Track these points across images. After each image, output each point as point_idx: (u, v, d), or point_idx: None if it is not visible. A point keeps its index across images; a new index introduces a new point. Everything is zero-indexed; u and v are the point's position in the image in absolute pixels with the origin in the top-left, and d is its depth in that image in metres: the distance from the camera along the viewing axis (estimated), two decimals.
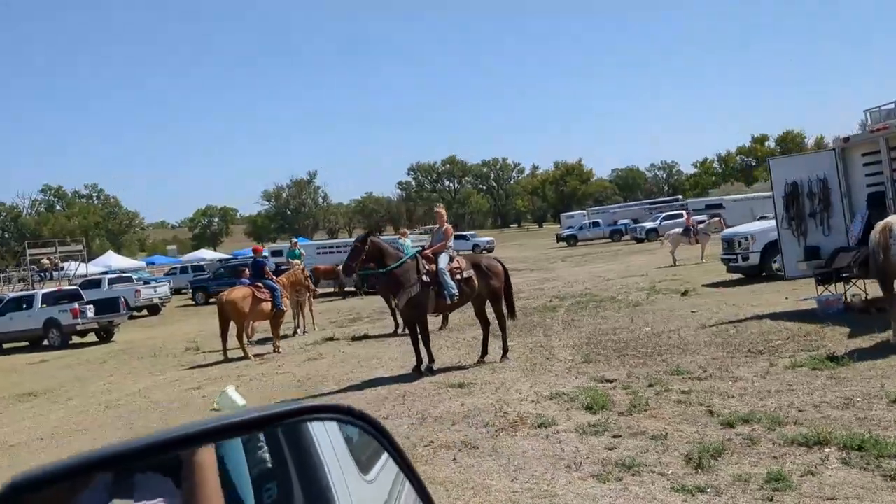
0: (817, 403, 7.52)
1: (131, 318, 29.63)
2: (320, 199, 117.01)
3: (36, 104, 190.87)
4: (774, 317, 13.19)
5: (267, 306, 16.11)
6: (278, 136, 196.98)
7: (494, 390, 9.85)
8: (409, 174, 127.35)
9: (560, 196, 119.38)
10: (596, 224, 62.71)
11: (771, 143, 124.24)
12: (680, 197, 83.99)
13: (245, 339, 16.74)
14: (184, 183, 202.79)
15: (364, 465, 1.63)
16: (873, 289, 13.31)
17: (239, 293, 15.97)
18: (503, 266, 12.40)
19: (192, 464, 1.30)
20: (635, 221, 61.42)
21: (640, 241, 52.38)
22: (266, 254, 18.31)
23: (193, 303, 37.06)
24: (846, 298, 13.25)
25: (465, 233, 62.74)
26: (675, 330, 13.23)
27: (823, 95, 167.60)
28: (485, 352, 12.27)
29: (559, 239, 64.78)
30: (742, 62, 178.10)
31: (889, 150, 12.76)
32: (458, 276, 11.70)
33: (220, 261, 46.54)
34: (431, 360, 11.77)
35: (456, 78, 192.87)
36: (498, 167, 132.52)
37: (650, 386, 9.04)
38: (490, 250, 52.54)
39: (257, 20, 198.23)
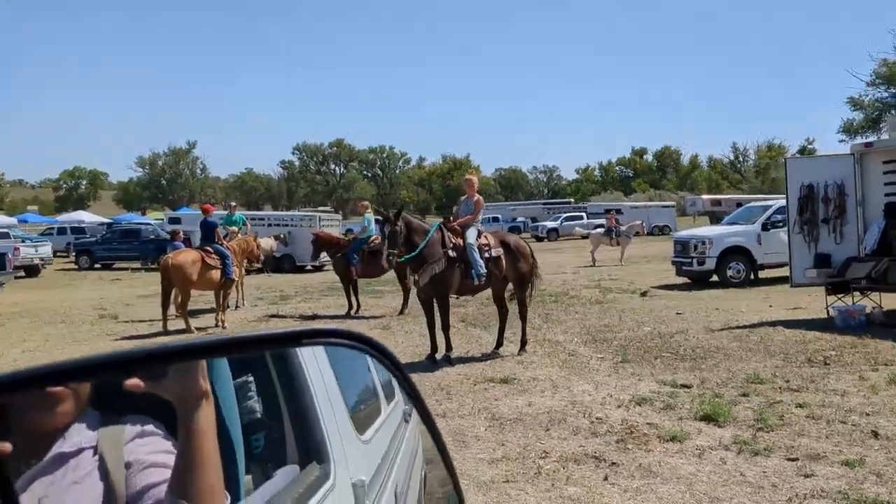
0: None
1: None
2: (198, 171, 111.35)
3: None
4: (787, 325, 12.40)
5: (216, 274, 13.96)
6: (158, 100, 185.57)
7: (552, 389, 8.45)
8: (293, 153, 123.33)
9: (445, 190, 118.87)
10: (495, 219, 62.26)
11: (649, 157, 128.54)
12: (572, 200, 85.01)
13: (173, 312, 14.59)
14: (47, 140, 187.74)
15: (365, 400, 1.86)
16: (888, 301, 12.83)
17: (188, 257, 13.73)
18: (530, 248, 10.99)
19: (191, 428, 1.22)
20: (533, 220, 61.37)
21: (540, 239, 52.05)
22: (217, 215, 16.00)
23: (76, 266, 33.57)
24: (867, 310, 12.60)
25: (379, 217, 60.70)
26: (682, 332, 12.25)
27: (700, 114, 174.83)
28: (500, 342, 10.84)
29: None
30: (628, 75, 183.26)
31: None
32: (487, 255, 10.19)
33: (106, 224, 42.67)
34: (449, 348, 10.25)
35: (351, 61, 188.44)
36: (385, 155, 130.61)
37: (744, 395, 7.87)
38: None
39: None
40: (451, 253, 9.88)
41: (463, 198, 10.95)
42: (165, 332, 13.61)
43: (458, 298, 10.47)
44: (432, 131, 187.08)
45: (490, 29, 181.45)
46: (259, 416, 1.60)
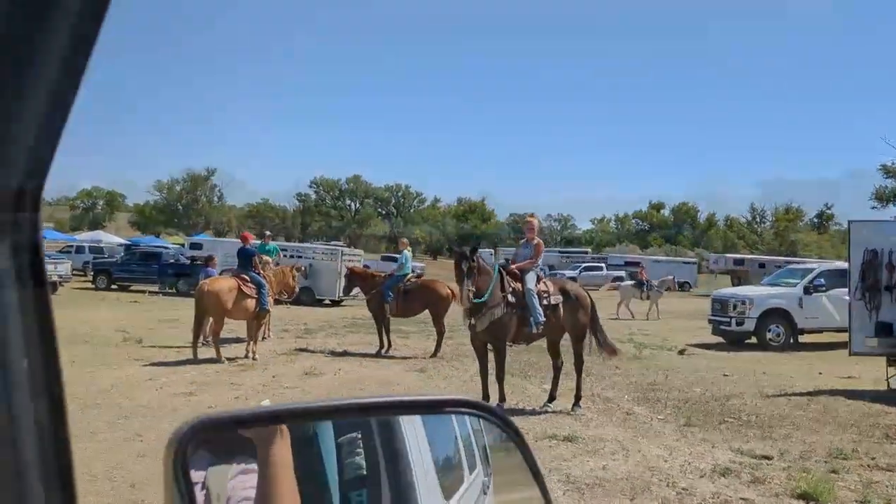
0: None
1: None
2: (215, 198, 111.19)
3: None
4: (847, 395, 11.80)
5: (251, 303, 13.48)
6: (177, 126, 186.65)
7: (623, 452, 7.87)
8: (311, 187, 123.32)
9: (459, 232, 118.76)
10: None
11: (666, 212, 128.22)
12: (588, 250, 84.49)
13: (202, 339, 14.07)
14: (66, 159, 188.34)
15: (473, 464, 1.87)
16: None
17: (224, 284, 13.25)
18: (591, 298, 10.45)
19: (268, 460, 1.35)
20: (550, 268, 60.80)
21: None
22: (255, 243, 15.47)
23: (94, 286, 33.11)
24: None
25: (393, 255, 60.08)
26: (736, 396, 11.69)
27: (718, 173, 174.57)
28: (553, 396, 10.26)
29: None
30: (645, 127, 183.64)
31: None
32: (546, 302, 9.66)
33: (126, 245, 42.24)
34: (503, 399, 9.70)
35: (369, 98, 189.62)
36: (400, 193, 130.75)
37: (834, 472, 7.27)
38: (420, 276, 50.37)
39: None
40: (510, 298, 9.35)
41: (522, 240, 10.45)
42: (196, 360, 13.09)
43: (511, 346, 9.93)
44: (448, 173, 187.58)
45: (514, 73, 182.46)
46: (364, 472, 1.66)
